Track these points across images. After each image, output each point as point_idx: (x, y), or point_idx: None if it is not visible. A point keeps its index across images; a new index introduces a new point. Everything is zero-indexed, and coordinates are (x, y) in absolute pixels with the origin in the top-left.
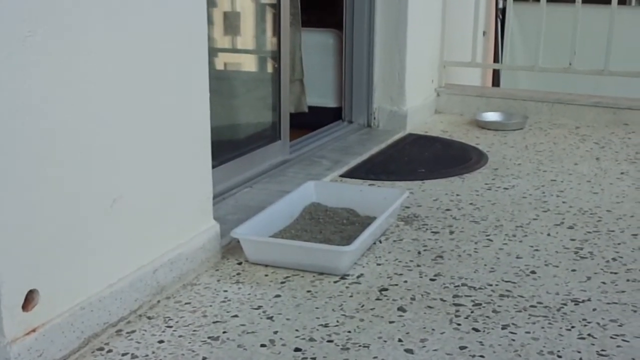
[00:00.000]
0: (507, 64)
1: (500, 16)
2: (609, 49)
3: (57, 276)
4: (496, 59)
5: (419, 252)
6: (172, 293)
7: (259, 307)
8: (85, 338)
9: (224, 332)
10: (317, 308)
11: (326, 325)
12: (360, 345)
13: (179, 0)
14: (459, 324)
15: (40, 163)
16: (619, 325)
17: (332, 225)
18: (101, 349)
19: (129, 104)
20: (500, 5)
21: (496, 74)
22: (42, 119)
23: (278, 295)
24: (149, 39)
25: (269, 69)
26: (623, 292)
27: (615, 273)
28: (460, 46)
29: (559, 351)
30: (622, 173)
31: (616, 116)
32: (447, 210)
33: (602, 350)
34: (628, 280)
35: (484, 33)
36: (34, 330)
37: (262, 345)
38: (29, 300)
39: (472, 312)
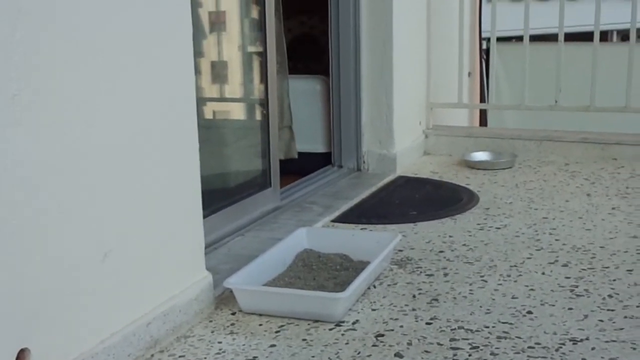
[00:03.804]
0: (493, 104)
1: (485, 57)
2: (594, 86)
3: (49, 334)
4: (482, 99)
5: (414, 296)
6: (166, 346)
7: (254, 358)
8: None
9: None
10: (313, 357)
11: None
12: None
13: (165, 53)
14: None
15: (27, 221)
16: None
17: (325, 271)
18: None
19: (116, 159)
20: (484, 46)
21: (483, 114)
22: (29, 175)
23: (273, 345)
24: (136, 90)
25: (258, 116)
26: (621, 329)
27: (612, 310)
28: (447, 87)
29: None
30: (613, 208)
31: (604, 151)
32: (441, 252)
33: None
34: (625, 317)
35: (469, 74)
36: None
37: None
38: (21, 359)
39: (469, 355)
